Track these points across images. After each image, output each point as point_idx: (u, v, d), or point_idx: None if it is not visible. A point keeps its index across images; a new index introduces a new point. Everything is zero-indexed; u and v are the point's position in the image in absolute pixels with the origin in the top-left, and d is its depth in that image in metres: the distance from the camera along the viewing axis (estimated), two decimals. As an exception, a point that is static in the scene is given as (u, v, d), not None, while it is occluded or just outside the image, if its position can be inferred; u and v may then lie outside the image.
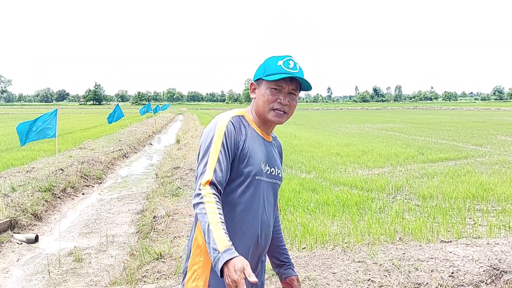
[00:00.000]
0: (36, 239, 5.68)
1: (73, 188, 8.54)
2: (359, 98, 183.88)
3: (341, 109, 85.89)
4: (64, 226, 6.46)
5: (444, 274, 3.65)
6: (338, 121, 32.38)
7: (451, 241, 4.56)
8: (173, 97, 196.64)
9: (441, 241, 4.61)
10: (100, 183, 9.79)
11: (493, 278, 3.56)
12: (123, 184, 9.73)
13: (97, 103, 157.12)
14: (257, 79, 1.83)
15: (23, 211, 6.34)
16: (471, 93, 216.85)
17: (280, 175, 1.90)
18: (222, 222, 1.56)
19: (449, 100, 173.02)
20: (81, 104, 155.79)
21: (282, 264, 2.00)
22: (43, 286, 4.32)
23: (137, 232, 5.99)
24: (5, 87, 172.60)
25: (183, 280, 1.77)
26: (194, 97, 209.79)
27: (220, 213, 1.57)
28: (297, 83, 1.81)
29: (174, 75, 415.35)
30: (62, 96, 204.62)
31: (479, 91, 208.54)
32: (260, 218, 1.78)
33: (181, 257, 4.36)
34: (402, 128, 23.80)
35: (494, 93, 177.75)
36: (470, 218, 5.62)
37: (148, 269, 4.21)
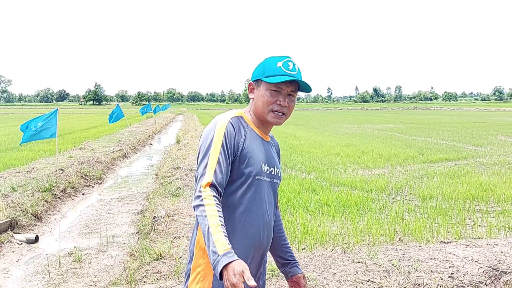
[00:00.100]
0: (36, 240, 5.69)
1: (73, 188, 8.55)
2: (359, 99, 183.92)
3: (341, 109, 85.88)
4: (64, 227, 6.47)
5: (444, 274, 3.65)
6: (338, 122, 32.39)
7: (450, 242, 4.57)
8: (173, 97, 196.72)
9: (441, 241, 4.62)
10: (100, 183, 9.80)
11: (493, 278, 3.57)
12: (123, 185, 9.73)
13: (97, 103, 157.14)
14: (256, 80, 1.83)
15: (23, 211, 6.35)
16: (471, 93, 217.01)
17: (279, 174, 1.91)
18: (222, 225, 1.56)
19: (449, 101, 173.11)
20: (81, 104, 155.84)
21: (287, 263, 2.01)
22: (43, 286, 4.32)
23: (137, 233, 5.99)
24: (5, 87, 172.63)
25: (186, 282, 1.77)
26: (194, 97, 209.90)
27: (220, 216, 1.58)
28: (296, 85, 1.83)
29: (174, 75, 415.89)
30: (62, 96, 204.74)
31: (479, 91, 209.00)
32: (262, 218, 1.79)
33: (181, 257, 4.36)
34: (402, 128, 23.81)
35: (494, 93, 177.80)
36: (469, 219, 5.63)
37: (148, 270, 4.21)
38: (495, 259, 3.89)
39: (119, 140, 16.94)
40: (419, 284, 3.54)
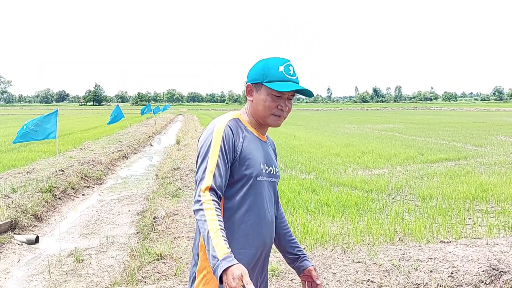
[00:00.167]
0: (37, 240, 5.70)
1: (73, 189, 8.56)
2: (359, 99, 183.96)
3: (341, 109, 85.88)
4: (64, 227, 6.47)
5: (444, 274, 3.66)
6: (338, 122, 32.40)
7: (450, 242, 4.58)
8: (173, 98, 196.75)
9: (441, 241, 4.62)
10: (100, 184, 9.81)
11: (492, 278, 3.58)
12: (123, 185, 9.74)
13: (97, 104, 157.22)
14: (256, 83, 1.82)
15: (23, 212, 6.36)
16: (471, 93, 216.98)
17: (277, 173, 1.93)
18: (221, 229, 1.57)
19: (449, 101, 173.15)
20: (81, 105, 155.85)
21: (297, 258, 2.02)
22: (44, 286, 4.33)
23: (137, 233, 6.00)
24: (5, 88, 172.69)
25: (191, 285, 1.78)
26: (194, 98, 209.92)
27: (219, 220, 1.59)
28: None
29: (174, 76, 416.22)
30: (62, 97, 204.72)
31: (479, 92, 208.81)
32: (264, 217, 1.80)
33: (181, 257, 4.37)
34: (402, 128, 23.82)
35: (494, 94, 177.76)
36: (469, 219, 5.64)
37: (148, 270, 4.22)
38: (495, 259, 3.90)
39: (119, 141, 16.95)
40: (419, 284, 3.54)
